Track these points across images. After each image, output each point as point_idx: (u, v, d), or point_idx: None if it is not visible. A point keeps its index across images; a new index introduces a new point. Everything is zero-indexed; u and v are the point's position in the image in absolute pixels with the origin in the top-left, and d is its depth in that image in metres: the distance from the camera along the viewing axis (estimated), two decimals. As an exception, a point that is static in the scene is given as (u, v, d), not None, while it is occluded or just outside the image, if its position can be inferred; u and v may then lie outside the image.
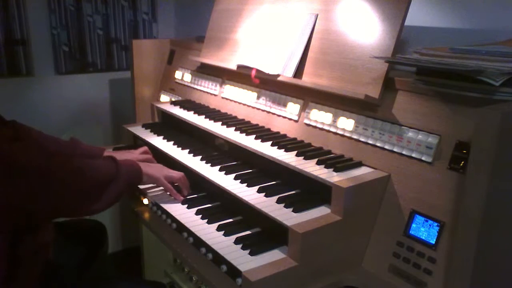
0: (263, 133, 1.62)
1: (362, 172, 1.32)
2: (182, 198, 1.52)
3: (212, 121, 1.80)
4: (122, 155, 1.75)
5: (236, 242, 1.27)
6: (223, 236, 1.31)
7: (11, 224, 1.21)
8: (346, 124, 1.44)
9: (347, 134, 1.44)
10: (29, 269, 1.29)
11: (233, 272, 1.16)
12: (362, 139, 1.39)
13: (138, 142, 2.06)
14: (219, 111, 1.96)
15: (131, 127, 2.08)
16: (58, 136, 1.74)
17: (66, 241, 1.65)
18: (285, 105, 1.67)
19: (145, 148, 1.80)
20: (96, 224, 1.85)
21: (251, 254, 1.21)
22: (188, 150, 1.71)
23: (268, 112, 1.75)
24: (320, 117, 1.53)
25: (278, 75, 1.63)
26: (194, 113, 1.92)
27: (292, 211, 1.25)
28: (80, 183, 1.27)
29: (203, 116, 1.86)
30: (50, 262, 1.39)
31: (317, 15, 1.60)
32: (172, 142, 1.81)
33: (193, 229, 1.34)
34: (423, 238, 1.20)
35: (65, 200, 1.25)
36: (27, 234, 1.29)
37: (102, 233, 1.84)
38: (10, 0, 2.37)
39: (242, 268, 1.14)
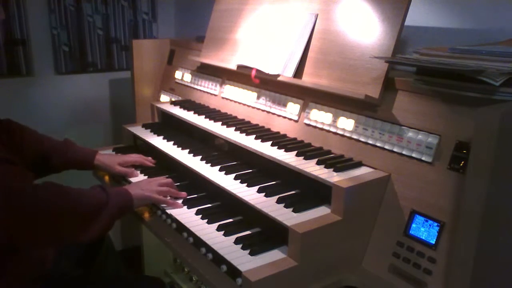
0: (263, 133, 1.62)
1: (362, 172, 1.32)
2: (181, 205, 1.49)
3: (212, 121, 1.80)
4: (114, 158, 1.75)
5: (236, 242, 1.27)
6: (223, 236, 1.31)
7: None
8: (346, 124, 1.44)
9: (347, 134, 1.44)
10: (23, 274, 1.28)
11: (233, 272, 1.16)
12: (362, 139, 1.39)
13: (138, 142, 2.06)
14: (219, 111, 1.96)
15: (131, 127, 2.08)
16: (58, 137, 1.74)
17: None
18: (285, 105, 1.67)
19: (139, 155, 1.81)
20: None
21: (251, 254, 1.21)
22: (188, 150, 1.71)
23: (268, 112, 1.75)
24: (320, 117, 1.53)
25: (278, 75, 1.63)
26: (194, 113, 1.92)
27: (292, 211, 1.26)
28: (67, 210, 1.24)
29: (203, 116, 1.86)
30: (49, 267, 1.39)
31: (317, 15, 1.60)
32: (172, 142, 1.81)
33: (193, 229, 1.34)
34: (423, 238, 1.20)
35: (49, 228, 1.22)
36: (22, 251, 1.29)
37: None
38: (10, 0, 2.37)
39: (242, 268, 1.14)
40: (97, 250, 1.77)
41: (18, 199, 1.14)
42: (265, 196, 1.35)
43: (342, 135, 1.46)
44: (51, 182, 1.27)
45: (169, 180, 1.56)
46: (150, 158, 1.82)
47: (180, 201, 1.51)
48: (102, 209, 1.31)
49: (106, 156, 1.77)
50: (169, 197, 1.51)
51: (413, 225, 1.22)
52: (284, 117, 1.67)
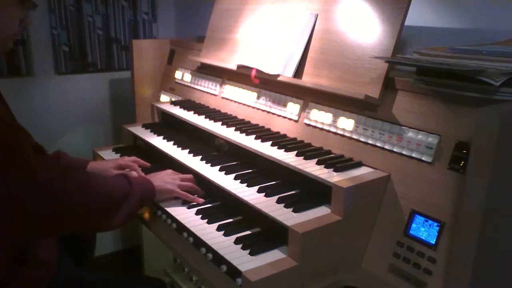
0: (263, 133, 1.62)
1: (362, 172, 1.32)
2: (201, 200, 1.50)
3: (212, 121, 1.80)
4: (107, 163, 1.73)
5: (236, 242, 1.27)
6: (223, 236, 1.31)
7: (15, 233, 1.19)
8: (346, 124, 1.44)
9: (347, 134, 1.44)
10: (30, 283, 1.29)
11: (233, 272, 1.16)
12: (362, 139, 1.39)
13: (138, 142, 2.06)
14: (219, 111, 1.96)
15: (131, 127, 2.08)
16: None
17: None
18: (285, 105, 1.67)
19: (133, 158, 1.77)
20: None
21: (251, 254, 1.21)
22: (188, 150, 1.71)
23: (268, 112, 1.75)
24: (320, 117, 1.53)
25: (278, 75, 1.63)
26: (194, 113, 1.92)
27: (292, 211, 1.26)
28: (94, 199, 1.25)
29: (203, 116, 1.86)
30: (52, 275, 1.39)
31: (317, 15, 1.60)
32: (172, 142, 1.81)
33: (193, 229, 1.34)
34: (423, 238, 1.20)
35: (79, 216, 1.23)
36: (27, 252, 1.29)
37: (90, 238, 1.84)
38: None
39: (242, 268, 1.14)
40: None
41: (46, 190, 1.14)
42: (265, 196, 1.34)
43: (342, 135, 1.46)
44: (77, 171, 1.28)
45: (191, 176, 1.56)
46: (145, 162, 1.77)
47: (201, 200, 1.51)
48: (125, 200, 1.31)
49: (99, 162, 1.75)
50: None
51: (413, 225, 1.22)
52: (284, 117, 1.67)
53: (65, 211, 1.19)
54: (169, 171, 1.57)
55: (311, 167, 1.34)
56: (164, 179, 1.50)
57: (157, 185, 1.45)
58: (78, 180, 1.25)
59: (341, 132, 1.46)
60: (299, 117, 1.62)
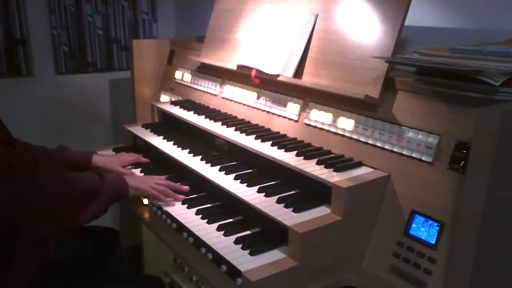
0: (263, 133, 1.62)
1: (362, 172, 1.32)
2: (173, 204, 1.51)
3: (212, 121, 1.80)
4: (112, 158, 1.77)
5: (236, 242, 1.27)
6: (223, 236, 1.31)
7: None
8: (346, 124, 1.44)
9: (347, 134, 1.44)
10: (25, 264, 1.29)
11: (233, 272, 1.16)
12: (362, 139, 1.39)
13: (138, 142, 2.06)
14: (219, 111, 1.96)
15: (131, 127, 2.08)
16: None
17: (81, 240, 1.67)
18: (285, 105, 1.67)
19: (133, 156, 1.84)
20: (109, 230, 1.89)
21: (251, 254, 1.21)
22: (188, 150, 1.71)
23: (268, 112, 1.75)
24: (320, 117, 1.53)
25: (278, 75, 1.63)
26: (194, 113, 1.92)
27: (292, 211, 1.26)
28: (65, 192, 1.26)
29: (203, 116, 1.86)
30: (50, 260, 1.39)
31: (317, 15, 1.60)
32: (172, 142, 1.81)
33: (193, 229, 1.34)
34: (423, 238, 1.20)
35: (48, 209, 1.23)
36: (27, 238, 1.29)
37: (115, 238, 1.86)
38: (10, 0, 2.37)
39: (242, 268, 1.14)
40: (103, 247, 1.78)
41: (18, 181, 1.15)
42: (265, 196, 1.35)
43: (342, 135, 1.46)
44: (50, 166, 1.28)
45: (167, 182, 1.58)
46: (145, 159, 1.84)
47: (179, 202, 1.51)
48: (97, 194, 1.34)
49: (104, 157, 1.78)
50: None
51: (413, 225, 1.22)
52: (284, 117, 1.67)
53: (35, 202, 1.19)
54: (146, 175, 1.61)
55: (311, 167, 1.34)
56: (139, 179, 1.55)
57: (130, 182, 1.47)
58: (49, 173, 1.26)
59: (341, 132, 1.46)
60: (299, 117, 1.62)
